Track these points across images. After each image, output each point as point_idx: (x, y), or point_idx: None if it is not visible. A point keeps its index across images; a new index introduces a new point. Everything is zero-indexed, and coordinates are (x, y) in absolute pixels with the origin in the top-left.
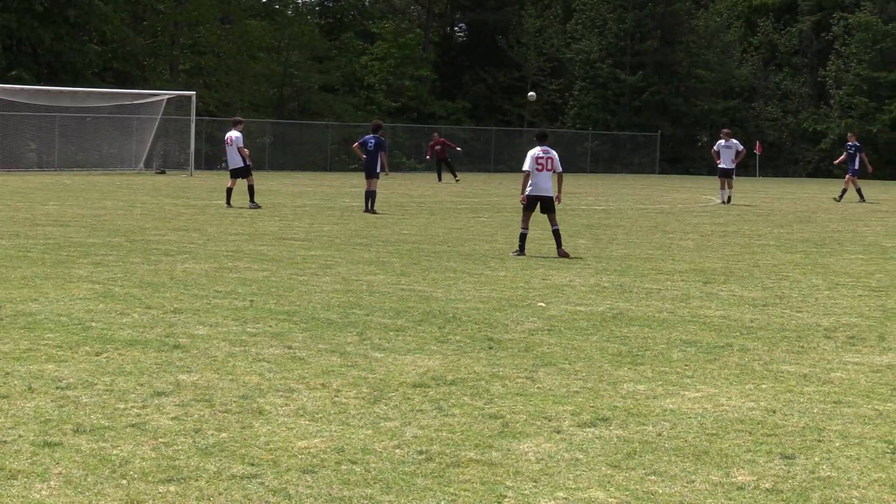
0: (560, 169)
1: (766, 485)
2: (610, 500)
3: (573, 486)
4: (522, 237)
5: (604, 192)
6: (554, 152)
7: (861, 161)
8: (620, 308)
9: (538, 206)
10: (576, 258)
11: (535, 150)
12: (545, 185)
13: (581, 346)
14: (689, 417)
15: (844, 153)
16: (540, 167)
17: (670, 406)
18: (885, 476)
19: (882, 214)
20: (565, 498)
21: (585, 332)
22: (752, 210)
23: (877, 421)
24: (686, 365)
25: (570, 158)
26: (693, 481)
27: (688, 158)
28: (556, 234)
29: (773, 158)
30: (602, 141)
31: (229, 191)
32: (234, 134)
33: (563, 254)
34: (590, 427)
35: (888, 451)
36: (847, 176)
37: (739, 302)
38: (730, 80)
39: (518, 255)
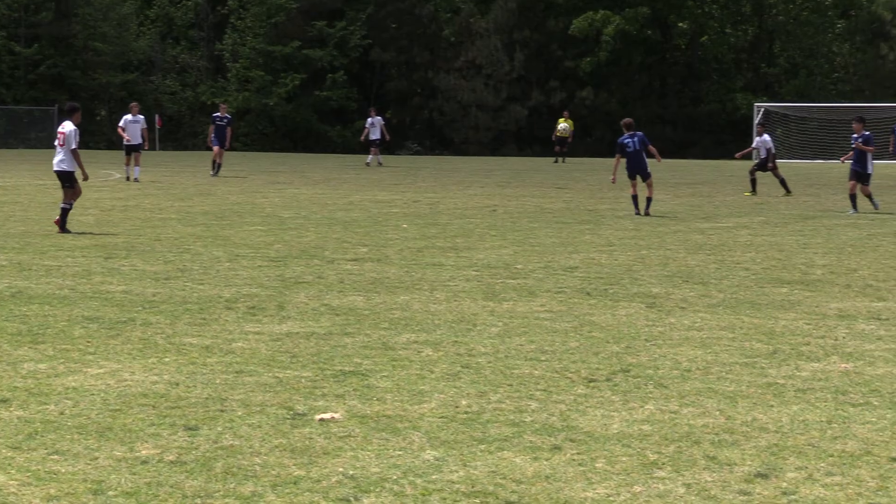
0: (72, 145)
1: (171, 457)
2: (11, 482)
3: None
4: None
5: (0, 169)
6: (70, 127)
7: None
8: (19, 286)
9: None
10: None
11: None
12: (56, 159)
13: None
14: (93, 394)
15: (212, 125)
16: (58, 142)
17: (73, 384)
18: (285, 441)
19: (280, 186)
20: None
21: None
22: (154, 184)
23: (277, 388)
24: (88, 342)
25: None
26: (97, 458)
27: (87, 132)
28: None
29: (174, 132)
30: None
31: None
32: None
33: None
34: None
35: (288, 416)
36: (216, 148)
37: (142, 276)
38: (128, 53)
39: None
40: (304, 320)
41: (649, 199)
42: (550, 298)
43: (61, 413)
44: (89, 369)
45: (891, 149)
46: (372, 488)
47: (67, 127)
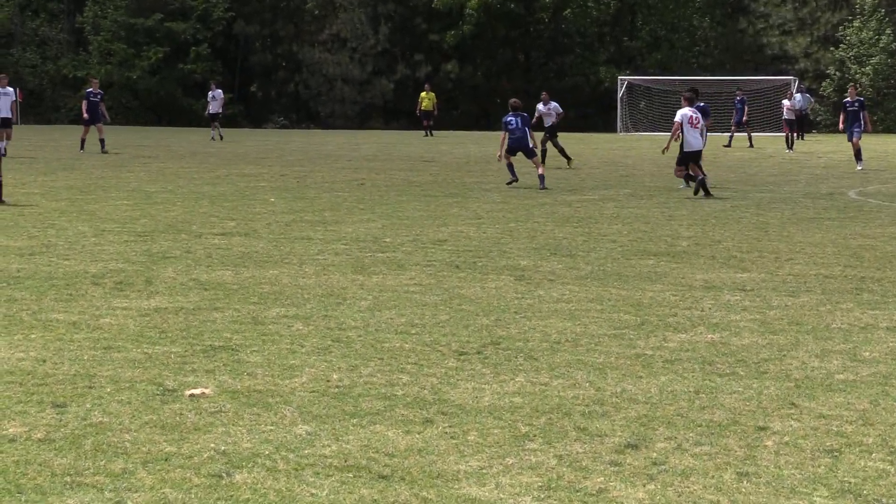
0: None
1: (39, 435)
2: None
3: None
4: None
5: None
6: None
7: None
8: None
9: None
10: None
11: None
12: None
13: None
14: None
15: (85, 101)
16: None
17: None
18: (155, 417)
19: (145, 160)
20: None
21: None
22: (16, 159)
23: (146, 364)
24: None
25: None
26: None
27: None
28: None
29: (35, 105)
30: None
31: None
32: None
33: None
34: None
35: (158, 392)
36: (99, 125)
37: (5, 252)
38: None
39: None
40: (172, 295)
41: (541, 177)
42: (420, 272)
43: None
44: None
45: (733, 120)
46: (244, 464)
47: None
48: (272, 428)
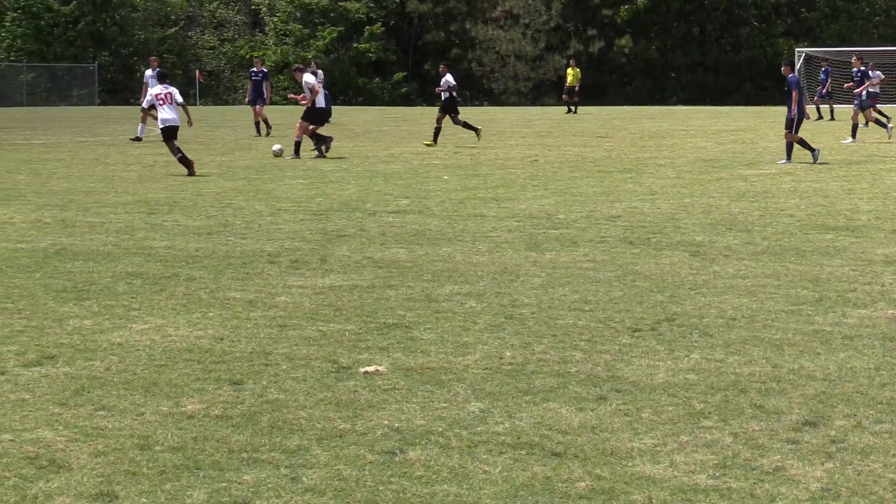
0: (181, 100)
1: (216, 412)
2: (58, 438)
3: (20, 428)
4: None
5: (42, 126)
6: (173, 87)
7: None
8: (63, 243)
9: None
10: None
11: (156, 89)
12: (168, 115)
13: (24, 284)
14: (138, 350)
15: (250, 81)
16: (161, 102)
17: (118, 340)
18: (330, 395)
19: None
20: (12, 440)
21: (28, 270)
22: (194, 139)
23: (321, 342)
24: (132, 297)
25: (6, 92)
26: (143, 413)
27: (128, 89)
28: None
29: (213, 86)
30: (38, 73)
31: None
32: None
33: (192, 173)
34: (35, 366)
35: (332, 370)
36: (256, 108)
37: (184, 231)
38: (165, 9)
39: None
40: (346, 273)
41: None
42: (593, 248)
43: (107, 369)
44: (134, 325)
45: (822, 89)
46: (417, 441)
47: (172, 87)
48: (445, 405)
